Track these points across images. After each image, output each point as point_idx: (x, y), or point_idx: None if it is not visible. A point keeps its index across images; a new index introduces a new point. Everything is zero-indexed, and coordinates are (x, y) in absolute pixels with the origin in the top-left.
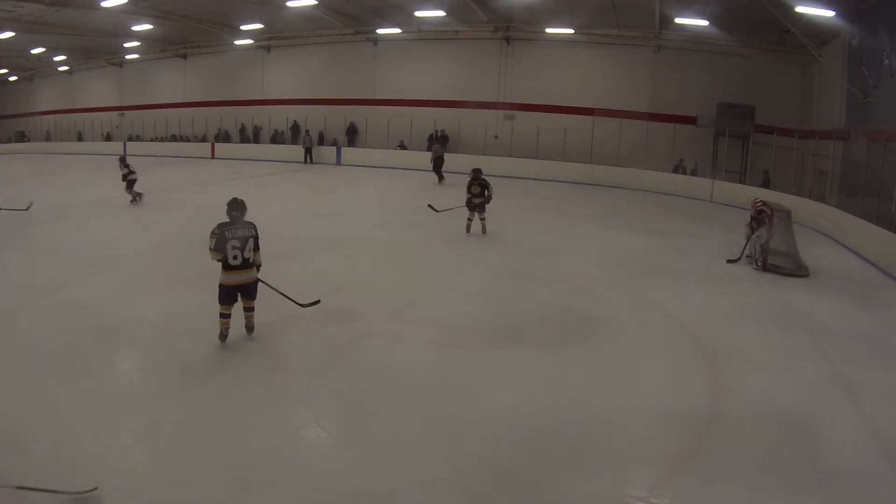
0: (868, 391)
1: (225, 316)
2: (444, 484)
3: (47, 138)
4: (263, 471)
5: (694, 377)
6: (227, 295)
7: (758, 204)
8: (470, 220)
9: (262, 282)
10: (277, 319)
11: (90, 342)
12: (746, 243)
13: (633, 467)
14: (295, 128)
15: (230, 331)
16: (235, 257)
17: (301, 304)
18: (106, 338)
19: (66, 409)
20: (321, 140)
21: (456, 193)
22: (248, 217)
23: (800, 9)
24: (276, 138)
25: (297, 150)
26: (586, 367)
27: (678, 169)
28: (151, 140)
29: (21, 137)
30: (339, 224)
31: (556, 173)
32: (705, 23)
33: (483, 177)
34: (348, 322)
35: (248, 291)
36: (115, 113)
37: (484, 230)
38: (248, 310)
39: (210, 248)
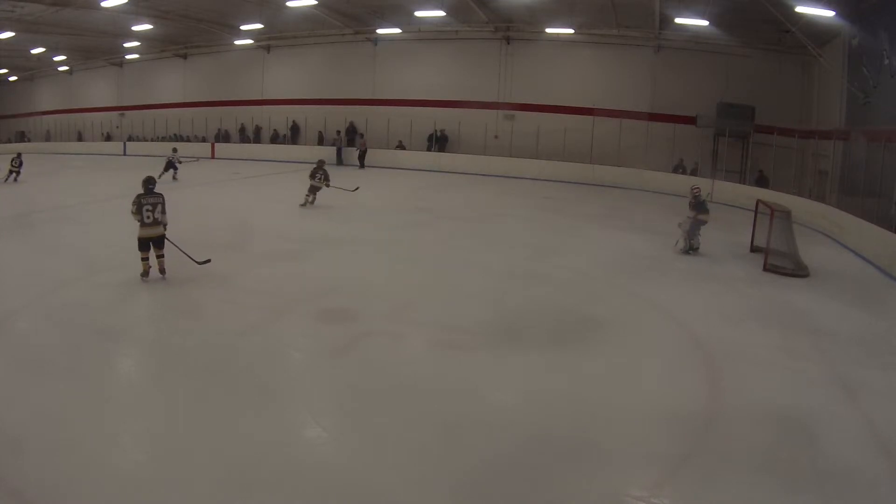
0: (867, 391)
1: (145, 259)
2: (444, 484)
3: (47, 138)
4: (263, 471)
5: (694, 377)
6: (144, 245)
7: (695, 190)
8: (307, 195)
9: (168, 240)
10: (277, 319)
11: (90, 342)
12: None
13: (633, 467)
14: (294, 128)
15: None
16: (148, 217)
17: (197, 262)
18: (106, 338)
19: (66, 409)
20: (321, 140)
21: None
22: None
23: (800, 9)
24: (276, 138)
25: (297, 151)
26: (586, 367)
27: (678, 169)
28: (152, 140)
29: (21, 137)
30: (339, 224)
31: (556, 173)
32: (705, 23)
33: (324, 167)
34: (348, 322)
35: (158, 243)
36: (115, 113)
37: (313, 202)
38: (160, 256)
39: (132, 212)
